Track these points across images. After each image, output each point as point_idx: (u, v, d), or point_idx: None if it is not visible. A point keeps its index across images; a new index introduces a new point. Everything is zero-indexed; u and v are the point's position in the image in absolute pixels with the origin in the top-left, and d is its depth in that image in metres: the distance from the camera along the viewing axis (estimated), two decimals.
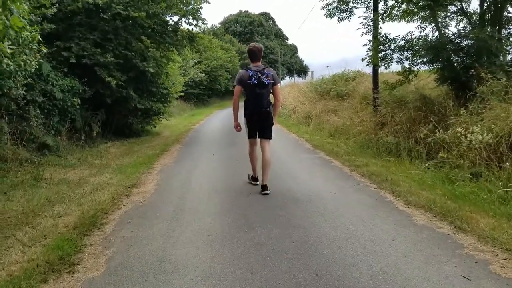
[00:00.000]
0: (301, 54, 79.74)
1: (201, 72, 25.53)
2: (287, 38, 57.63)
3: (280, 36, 55.24)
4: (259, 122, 4.21)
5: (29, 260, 2.68)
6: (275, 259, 2.55)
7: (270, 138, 4.28)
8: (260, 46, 4.22)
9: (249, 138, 4.38)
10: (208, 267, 2.50)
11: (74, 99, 7.13)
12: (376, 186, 4.24)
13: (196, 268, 2.49)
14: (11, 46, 3.85)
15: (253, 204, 3.78)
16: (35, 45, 4.97)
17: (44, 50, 5.38)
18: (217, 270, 2.44)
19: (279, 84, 4.25)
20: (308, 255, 2.59)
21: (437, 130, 5.03)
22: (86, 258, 2.73)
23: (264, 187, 4.10)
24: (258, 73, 4.01)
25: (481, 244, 2.63)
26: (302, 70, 55.66)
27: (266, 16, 54.39)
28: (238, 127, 4.43)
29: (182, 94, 17.63)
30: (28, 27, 4.71)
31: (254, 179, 4.56)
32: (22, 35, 4.27)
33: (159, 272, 2.46)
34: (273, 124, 4.30)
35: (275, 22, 56.34)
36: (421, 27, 6.66)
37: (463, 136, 4.49)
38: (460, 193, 3.80)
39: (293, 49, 57.46)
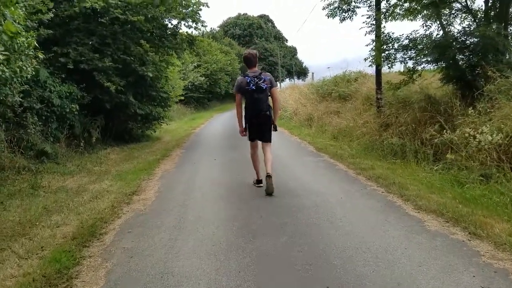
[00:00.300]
0: (301, 55, 79.84)
1: (200, 76, 25.44)
2: (287, 40, 57.62)
3: (279, 38, 55.22)
4: (259, 126, 4.35)
5: (24, 274, 2.57)
6: (283, 270, 2.42)
7: (270, 141, 4.44)
8: (255, 52, 4.39)
9: (250, 140, 4.49)
10: (213, 280, 2.37)
11: (73, 105, 7.02)
12: (384, 190, 4.11)
13: (200, 281, 2.37)
14: (4, 52, 3.74)
15: (258, 210, 3.66)
16: (31, 51, 4.88)
17: (41, 56, 5.28)
18: (222, 283, 2.32)
19: (276, 87, 4.42)
20: (318, 265, 2.47)
21: (444, 130, 4.90)
22: (84, 271, 2.62)
23: (268, 174, 4.16)
24: (256, 78, 4.16)
25: (499, 252, 2.49)
26: (302, 72, 55.62)
27: (265, 18, 54.36)
28: (244, 133, 4.52)
29: (182, 98, 17.58)
30: (23, 32, 4.62)
31: (257, 181, 4.55)
32: (18, 41, 4.16)
33: (161, 286, 2.34)
34: (275, 126, 4.45)
35: (274, 24, 56.32)
36: (426, 25, 6.55)
37: (472, 137, 4.36)
38: (471, 196, 3.67)
39: (293, 51, 57.44)
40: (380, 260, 2.47)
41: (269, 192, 4.11)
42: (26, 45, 4.63)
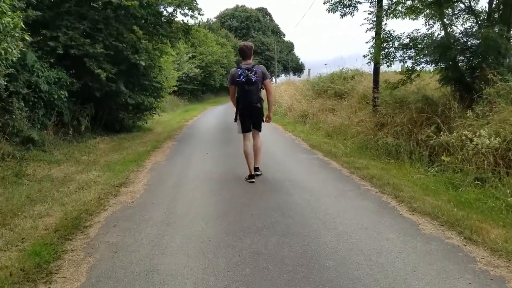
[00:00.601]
0: (298, 51, 79.38)
1: (195, 67, 25.15)
2: (284, 35, 57.31)
3: (277, 32, 54.86)
4: (250, 117, 4.46)
5: (2, 267, 2.44)
6: (274, 271, 2.33)
7: (260, 130, 4.61)
8: (250, 45, 4.47)
9: (242, 132, 4.56)
10: (200, 279, 2.27)
11: (61, 91, 6.79)
12: (378, 190, 4.03)
13: (187, 280, 2.26)
14: None
15: (249, 207, 3.56)
16: (18, 33, 4.65)
17: (28, 38, 5.05)
18: (209, 283, 2.22)
19: (269, 80, 4.50)
20: (310, 267, 2.38)
21: (442, 132, 4.84)
22: (65, 266, 2.50)
23: (256, 169, 4.55)
24: (247, 71, 4.26)
25: (495, 258, 2.43)
26: (298, 68, 55.43)
27: (263, 11, 53.93)
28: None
29: (176, 89, 17.33)
30: (9, 12, 4.40)
31: (250, 176, 4.50)
32: (3, 21, 3.95)
33: (145, 285, 2.23)
34: (266, 118, 4.60)
35: (272, 18, 55.94)
36: (429, 24, 6.45)
37: (469, 140, 4.31)
38: (466, 200, 3.62)
39: (290, 46, 57.17)
40: (374, 264, 2.39)
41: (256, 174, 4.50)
42: (11, 26, 4.41)
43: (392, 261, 2.42)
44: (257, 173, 4.57)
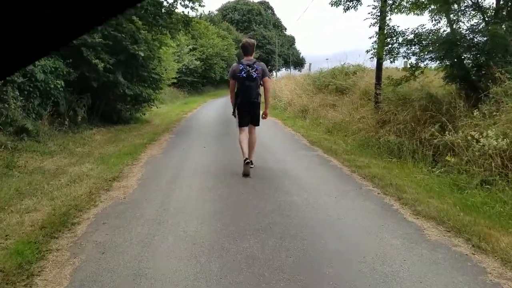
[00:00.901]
0: (299, 45, 78.81)
1: (196, 59, 24.85)
2: (285, 29, 56.78)
3: (278, 26, 54.34)
4: (249, 112, 4.56)
5: None
6: (270, 279, 2.18)
7: (257, 124, 4.73)
8: (252, 42, 4.59)
9: (239, 126, 4.63)
10: (191, 286, 2.13)
11: (58, 81, 6.60)
12: (380, 191, 3.88)
13: (177, 287, 2.12)
14: None
15: (246, 206, 3.41)
16: None
17: None
18: None
19: (268, 77, 4.58)
20: (309, 274, 2.24)
21: (446, 132, 4.68)
22: (48, 268, 2.35)
23: (247, 161, 4.49)
24: (248, 67, 4.35)
25: (507, 269, 2.26)
26: (298, 62, 54.99)
27: (265, 5, 53.35)
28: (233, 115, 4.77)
29: (175, 81, 17.10)
30: None
31: (245, 160, 4.48)
32: None
33: None
34: (262, 115, 4.71)
35: (273, 11, 55.36)
36: (435, 20, 6.24)
37: (475, 140, 4.15)
38: (472, 203, 3.46)
39: (291, 40, 56.67)
40: (377, 272, 2.25)
41: (245, 174, 4.34)
42: None
43: (396, 270, 2.27)
44: (250, 166, 4.53)
